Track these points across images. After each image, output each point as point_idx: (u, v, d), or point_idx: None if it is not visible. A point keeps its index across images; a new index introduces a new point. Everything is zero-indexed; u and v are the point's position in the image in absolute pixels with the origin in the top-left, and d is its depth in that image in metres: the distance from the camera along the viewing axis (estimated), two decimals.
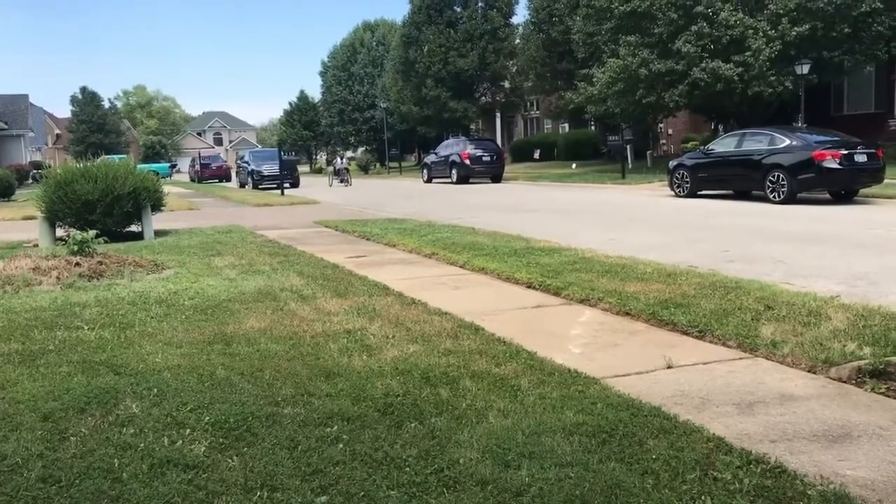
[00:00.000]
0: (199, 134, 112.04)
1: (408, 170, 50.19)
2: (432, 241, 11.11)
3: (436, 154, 35.41)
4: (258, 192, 31.82)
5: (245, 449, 3.50)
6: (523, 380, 4.43)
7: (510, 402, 4.04)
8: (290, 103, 72.53)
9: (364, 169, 54.91)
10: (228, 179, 49.68)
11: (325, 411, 3.94)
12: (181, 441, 3.59)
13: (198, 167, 52.63)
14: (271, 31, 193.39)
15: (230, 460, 3.38)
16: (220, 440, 3.60)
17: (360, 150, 65.71)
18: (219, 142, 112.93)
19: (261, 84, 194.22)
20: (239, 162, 41.71)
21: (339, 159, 37.86)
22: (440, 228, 12.96)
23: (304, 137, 69.91)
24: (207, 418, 3.86)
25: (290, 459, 3.37)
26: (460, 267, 9.12)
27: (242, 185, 37.92)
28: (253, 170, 36.38)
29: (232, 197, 28.04)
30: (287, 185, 30.52)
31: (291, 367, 4.77)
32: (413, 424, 3.74)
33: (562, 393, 4.19)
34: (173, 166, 72.35)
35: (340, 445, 3.50)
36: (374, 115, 57.75)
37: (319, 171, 63.28)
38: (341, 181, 35.89)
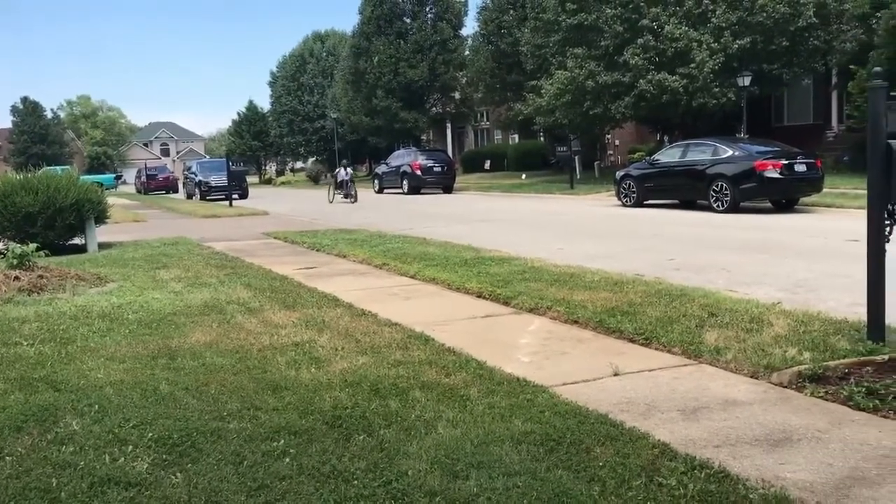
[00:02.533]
0: (146, 145, 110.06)
1: (359, 180, 49.80)
2: (383, 252, 11.09)
3: (387, 164, 35.37)
4: (206, 203, 31.38)
5: (189, 465, 3.43)
6: (473, 389, 4.43)
7: (459, 413, 4.04)
8: (238, 113, 71.70)
9: (314, 179, 54.55)
10: (175, 191, 48.92)
11: (272, 425, 3.89)
12: (123, 458, 3.51)
13: (144, 178, 51.74)
14: (220, 41, 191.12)
15: (174, 477, 3.31)
16: (164, 456, 3.53)
17: (311, 160, 65.27)
18: (166, 152, 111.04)
19: (209, 94, 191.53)
20: (186, 173, 41.06)
21: (342, 169, 29.48)
22: (391, 239, 12.94)
23: (254, 148, 69.16)
24: (150, 434, 3.78)
25: (236, 475, 3.32)
26: (411, 277, 9.11)
27: (190, 197, 37.35)
28: (200, 181, 35.88)
29: (179, 208, 27.59)
30: (236, 196, 30.16)
31: (238, 380, 4.70)
32: (362, 437, 3.72)
33: (511, 402, 4.21)
34: (119, 177, 70.88)
35: (287, 460, 3.46)
36: (324, 125, 57.45)
37: (269, 181, 62.70)
38: (345, 196, 28.36)
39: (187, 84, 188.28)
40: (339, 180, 29.21)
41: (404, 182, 32.66)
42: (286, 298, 7.54)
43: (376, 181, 35.88)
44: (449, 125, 51.63)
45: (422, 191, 32.25)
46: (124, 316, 6.76)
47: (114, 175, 70.35)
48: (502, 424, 3.85)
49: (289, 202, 30.43)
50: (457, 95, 47.64)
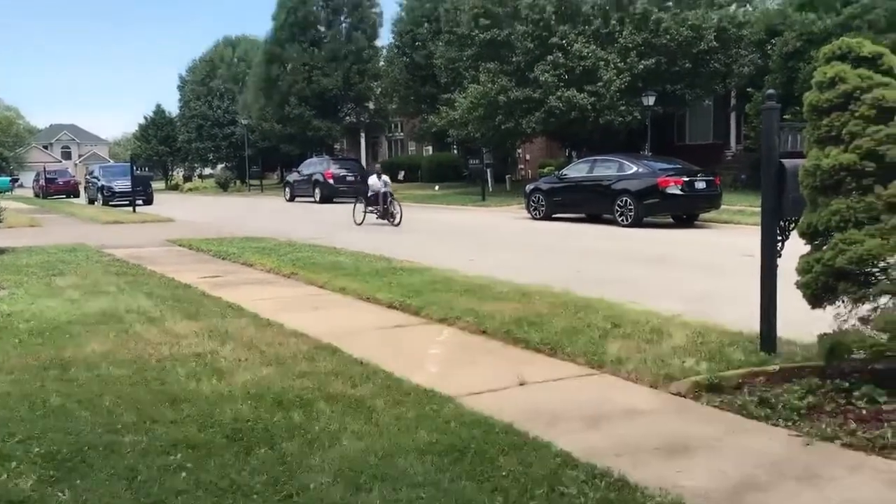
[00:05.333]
0: (46, 147, 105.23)
1: (270, 188, 49.21)
2: (292, 261, 10.91)
3: (299, 172, 34.94)
4: (108, 208, 30.23)
5: (78, 481, 3.27)
6: (379, 401, 4.40)
7: (365, 424, 4.00)
8: (145, 117, 69.56)
9: (223, 186, 53.35)
10: (77, 195, 47.02)
11: (169, 439, 3.75)
12: (6, 475, 3.32)
13: (43, 182, 49.58)
14: (127, 43, 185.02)
15: (61, 494, 3.15)
16: (51, 473, 3.36)
17: (220, 166, 63.82)
18: (67, 156, 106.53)
19: (115, 97, 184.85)
20: (88, 177, 39.54)
21: (376, 176, 19.84)
22: (301, 248, 12.75)
23: (161, 153, 67.18)
24: (37, 450, 3.59)
25: (129, 491, 3.18)
26: (320, 287, 9.00)
27: (92, 202, 35.95)
28: (103, 185, 34.60)
29: (79, 213, 26.49)
30: (140, 201, 29.20)
31: (134, 392, 4.53)
32: (263, 450, 3.63)
33: (417, 413, 4.19)
34: (15, 181, 67.67)
35: (184, 474, 3.34)
36: (234, 131, 56.28)
37: (176, 187, 60.93)
38: (382, 216, 19.04)
39: (92, 86, 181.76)
40: (371, 192, 19.53)
41: (316, 190, 32.33)
42: (189, 308, 7.32)
43: (287, 189, 35.40)
44: (363, 135, 51.42)
45: (334, 200, 31.99)
46: (14, 325, 6.42)
47: (9, 178, 67.13)
48: (408, 436, 3.83)
49: (197, 209, 29.62)
50: (371, 105, 47.53)
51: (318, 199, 32.11)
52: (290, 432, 3.86)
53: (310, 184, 32.95)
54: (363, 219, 19.07)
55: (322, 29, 45.93)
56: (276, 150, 49.79)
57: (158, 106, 69.67)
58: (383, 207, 18.94)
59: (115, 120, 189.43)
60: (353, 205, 20.35)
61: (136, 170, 30.11)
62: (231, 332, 6.18)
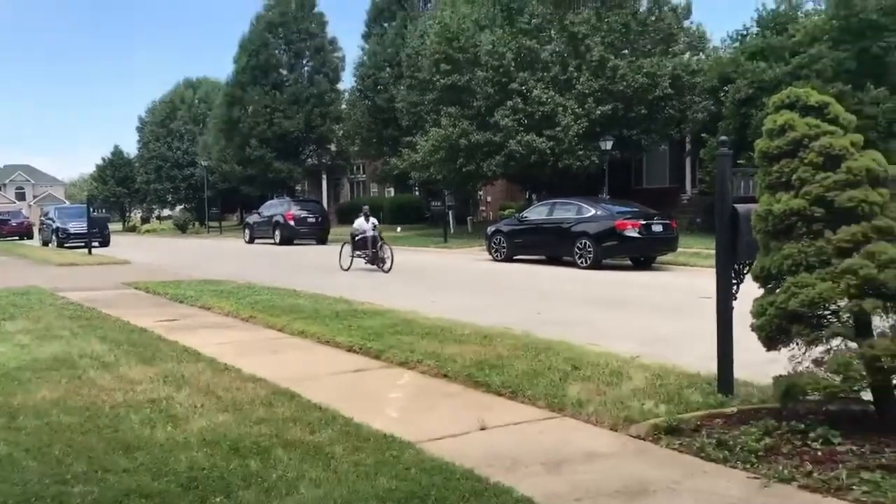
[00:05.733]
0: None
1: (229, 229, 48.81)
2: (251, 304, 10.79)
3: (259, 214, 34.71)
4: (63, 250, 29.65)
5: None
6: (338, 447, 4.34)
7: (323, 471, 3.94)
8: (103, 158, 68.87)
9: (182, 228, 52.75)
10: (30, 237, 46.13)
11: (122, 488, 3.65)
12: None
13: None
14: (84, 84, 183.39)
15: None
16: None
17: (178, 208, 63.18)
18: (21, 196, 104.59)
19: (71, 138, 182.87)
20: (43, 218, 38.80)
21: (363, 218, 18.64)
22: (260, 290, 12.62)
23: (118, 194, 66.42)
24: None
25: None
26: (279, 330, 8.90)
27: (46, 244, 35.25)
28: (58, 227, 33.99)
29: (32, 255, 25.93)
30: (96, 243, 28.70)
31: (86, 440, 4.41)
32: (219, 499, 3.56)
33: (377, 459, 4.14)
34: None
35: None
36: (194, 172, 55.88)
37: (133, 228, 60.10)
38: (371, 261, 17.94)
39: (48, 126, 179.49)
40: (358, 236, 18.31)
41: (276, 232, 32.11)
42: (144, 352, 7.18)
43: (247, 231, 35.12)
44: (324, 176, 51.44)
45: (295, 242, 31.80)
46: None
47: None
48: (367, 482, 3.77)
49: (154, 251, 29.20)
50: (333, 147, 47.63)
51: (278, 240, 31.89)
52: (247, 480, 3.79)
53: (270, 225, 32.74)
54: (350, 263, 17.90)
55: (284, 72, 46.09)
56: (236, 191, 49.53)
57: (116, 147, 69.14)
58: (372, 252, 17.85)
59: (72, 161, 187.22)
60: (339, 248, 18.88)
61: (93, 211, 29.63)
62: (187, 378, 6.07)
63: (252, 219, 35.48)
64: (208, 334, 8.67)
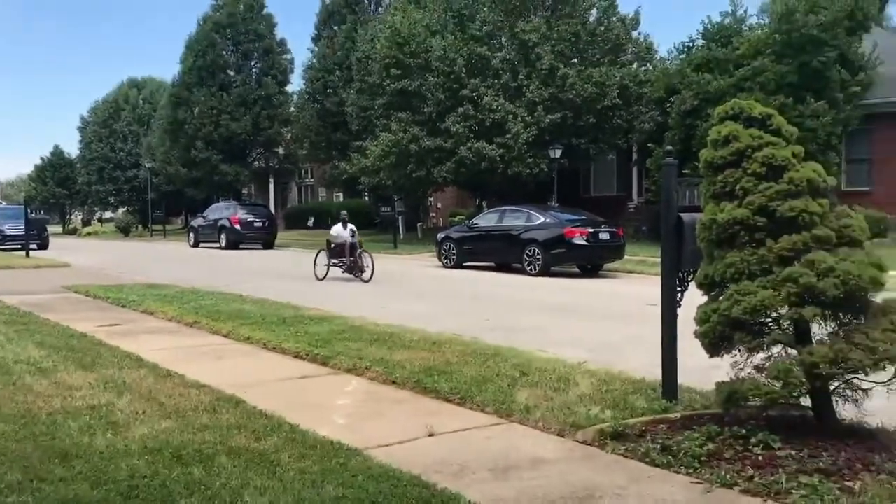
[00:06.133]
0: None
1: (174, 233, 47.94)
2: (195, 309, 10.59)
3: (204, 217, 34.14)
4: None
5: None
6: (284, 454, 4.28)
7: (269, 479, 3.88)
8: (42, 158, 67.01)
9: (124, 231, 51.64)
10: None
11: (58, 498, 3.54)
12: None
13: None
14: (22, 82, 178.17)
15: None
16: None
17: (121, 210, 61.83)
18: None
19: (8, 137, 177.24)
20: None
21: (341, 225, 17.55)
22: (205, 295, 12.40)
23: (58, 195, 64.67)
24: None
25: None
26: (224, 336, 8.76)
27: None
28: None
29: None
30: (34, 245, 27.88)
31: (20, 449, 4.26)
32: None
33: (323, 466, 4.09)
34: None
35: None
36: (137, 174, 54.75)
37: (74, 231, 58.60)
38: (350, 269, 16.89)
39: None
40: (335, 243, 17.26)
41: (222, 236, 31.63)
42: (83, 358, 6.98)
43: (192, 234, 34.52)
44: (272, 180, 50.88)
45: (241, 246, 31.37)
46: None
47: None
48: (313, 490, 3.73)
49: (96, 254, 28.48)
50: (281, 151, 47.16)
51: (223, 244, 31.42)
52: (190, 488, 3.70)
53: (215, 229, 32.24)
54: (326, 273, 16.92)
55: (231, 73, 45.45)
56: (180, 194, 48.69)
57: (56, 147, 67.39)
58: (350, 260, 16.79)
59: (9, 161, 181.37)
60: (314, 256, 17.70)
61: (31, 212, 28.78)
62: (129, 384, 5.93)
63: (197, 222, 34.88)
64: (151, 340, 8.49)
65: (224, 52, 45.09)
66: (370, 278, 16.35)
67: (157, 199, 50.27)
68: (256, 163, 47.26)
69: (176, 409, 5.18)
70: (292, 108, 44.25)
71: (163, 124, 46.33)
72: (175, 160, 44.45)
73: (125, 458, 4.14)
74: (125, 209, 60.28)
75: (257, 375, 6.66)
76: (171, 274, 17.42)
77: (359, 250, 16.82)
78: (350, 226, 17.55)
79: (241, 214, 31.97)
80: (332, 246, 17.24)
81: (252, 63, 45.84)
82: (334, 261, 17.12)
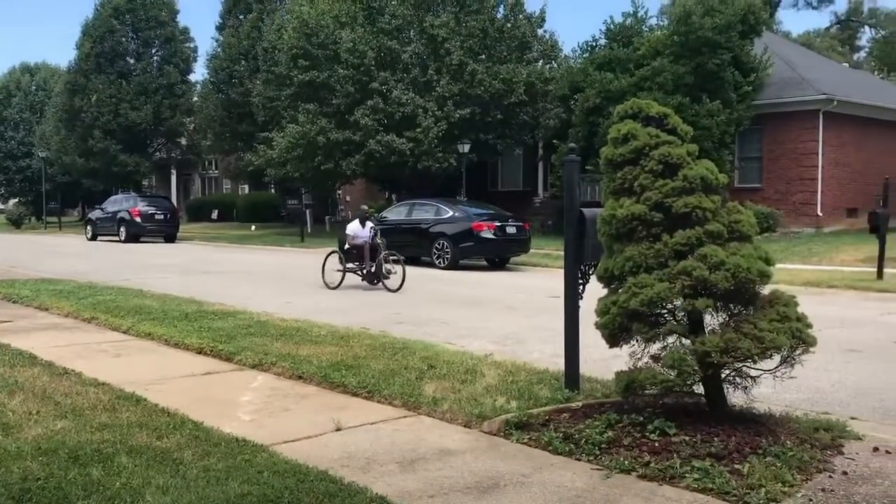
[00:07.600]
0: None
1: (70, 225, 45.92)
2: (93, 305, 10.21)
3: (102, 210, 32.91)
4: None
5: None
6: (187, 452, 4.20)
7: (171, 478, 3.80)
8: None
9: (16, 223, 49.12)
10: None
11: None
12: None
13: None
14: None
15: None
16: None
17: (12, 202, 58.78)
18: None
19: None
20: None
21: (358, 223, 14.39)
22: (103, 290, 11.96)
23: None
24: None
25: None
26: (124, 332, 8.49)
27: None
28: None
29: None
30: None
31: None
32: None
33: (228, 463, 4.04)
34: None
35: None
36: (30, 164, 52.15)
37: None
38: (371, 279, 13.89)
39: None
40: (349, 243, 14.23)
41: (122, 229, 30.57)
42: None
43: (89, 227, 33.18)
44: (174, 171, 49.41)
45: (141, 239, 30.40)
46: None
47: None
48: (217, 488, 3.67)
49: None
50: (183, 141, 45.82)
51: (123, 238, 30.36)
52: (87, 490, 3.59)
53: (114, 222, 31.13)
54: (341, 280, 13.82)
55: (131, 61, 43.79)
56: (77, 185, 46.74)
57: None
58: (370, 266, 13.77)
59: None
60: (323, 260, 14.61)
61: None
62: (21, 383, 5.68)
63: (95, 214, 33.58)
64: (46, 336, 8.15)
65: (124, 39, 43.42)
66: (400, 287, 13.34)
67: (52, 190, 48.07)
68: (158, 153, 45.80)
69: (73, 409, 5.00)
70: (195, 98, 43.07)
71: (58, 112, 44.31)
72: (71, 150, 42.58)
73: (17, 460, 3.97)
74: (17, 201, 57.34)
75: (159, 372, 6.49)
76: (68, 268, 16.72)
77: (382, 253, 13.84)
78: (369, 223, 14.56)
79: (142, 207, 30.98)
80: (348, 248, 14.24)
81: (153, 51, 44.32)
82: (350, 266, 14.10)
